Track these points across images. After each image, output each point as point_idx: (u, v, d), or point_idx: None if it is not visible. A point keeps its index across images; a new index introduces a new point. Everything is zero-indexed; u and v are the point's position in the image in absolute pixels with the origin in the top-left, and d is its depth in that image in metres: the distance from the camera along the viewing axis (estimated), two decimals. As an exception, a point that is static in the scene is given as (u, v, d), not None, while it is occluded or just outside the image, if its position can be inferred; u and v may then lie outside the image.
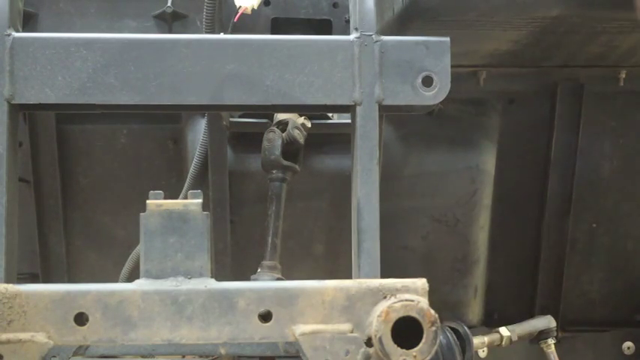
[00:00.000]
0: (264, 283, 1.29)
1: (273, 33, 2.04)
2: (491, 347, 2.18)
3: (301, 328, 1.20)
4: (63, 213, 2.15)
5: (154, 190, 1.25)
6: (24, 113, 2.00)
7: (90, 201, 2.17)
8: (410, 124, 2.13)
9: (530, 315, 2.28)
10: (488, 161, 2.18)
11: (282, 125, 1.94)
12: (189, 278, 1.21)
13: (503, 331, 2.19)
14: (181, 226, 1.22)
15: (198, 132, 2.07)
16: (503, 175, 2.20)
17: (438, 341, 1.18)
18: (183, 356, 2.11)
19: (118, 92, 1.37)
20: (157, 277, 1.21)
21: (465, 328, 2.11)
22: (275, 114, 1.97)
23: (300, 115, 1.96)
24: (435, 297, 1.23)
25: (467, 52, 1.77)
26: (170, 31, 2.04)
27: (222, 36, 1.63)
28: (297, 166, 1.94)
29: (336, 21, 2.07)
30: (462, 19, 1.46)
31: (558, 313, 2.26)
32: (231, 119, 2.05)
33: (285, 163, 1.92)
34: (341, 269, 2.13)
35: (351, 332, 1.20)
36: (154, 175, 2.15)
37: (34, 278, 2.18)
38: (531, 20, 1.50)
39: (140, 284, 1.21)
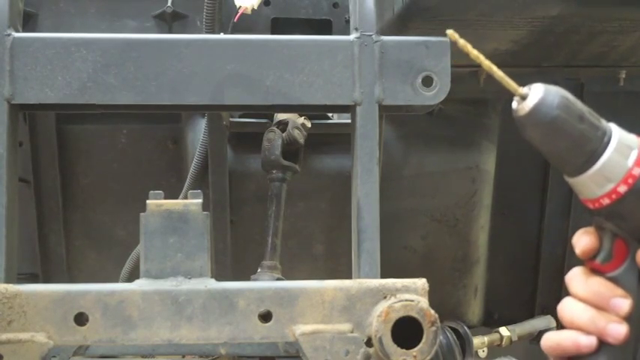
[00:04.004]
0: (264, 283, 1.29)
1: (273, 33, 2.04)
2: (492, 347, 2.18)
3: (301, 328, 1.20)
4: (63, 213, 2.15)
5: (154, 190, 1.25)
6: (24, 113, 2.00)
7: (90, 201, 2.17)
8: (410, 124, 2.13)
9: (530, 315, 2.28)
10: (489, 161, 2.18)
11: (282, 125, 1.94)
12: (189, 278, 1.21)
13: (503, 331, 2.19)
14: (181, 226, 1.22)
15: (198, 132, 2.07)
16: (503, 175, 2.20)
17: (438, 341, 1.18)
18: (183, 356, 2.11)
19: (118, 92, 1.36)
20: (157, 277, 1.21)
21: (465, 328, 2.11)
22: (275, 114, 1.97)
23: (300, 115, 1.96)
24: (435, 297, 1.23)
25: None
26: (170, 31, 2.04)
27: (222, 36, 1.63)
28: (297, 166, 1.94)
29: (336, 21, 2.07)
30: (462, 19, 1.46)
31: (558, 313, 2.26)
32: (231, 119, 2.05)
33: (285, 163, 1.91)
34: (341, 269, 2.13)
35: (351, 332, 1.20)
36: (154, 175, 2.15)
37: (34, 278, 2.18)
38: (531, 19, 1.49)
39: (140, 284, 1.21)
